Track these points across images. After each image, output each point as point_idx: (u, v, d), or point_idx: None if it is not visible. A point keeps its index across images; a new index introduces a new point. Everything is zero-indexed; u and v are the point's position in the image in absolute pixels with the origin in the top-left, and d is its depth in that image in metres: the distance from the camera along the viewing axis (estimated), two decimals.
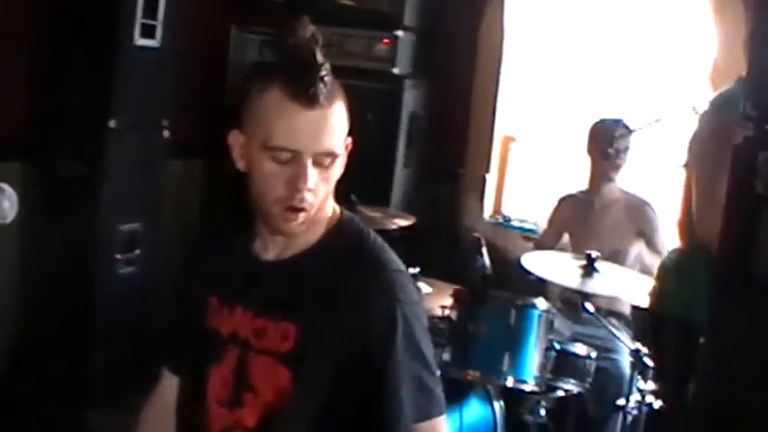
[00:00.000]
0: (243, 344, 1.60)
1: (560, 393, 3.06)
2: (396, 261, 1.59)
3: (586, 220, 3.59)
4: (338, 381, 1.53)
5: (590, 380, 3.05)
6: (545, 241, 3.65)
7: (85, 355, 3.53)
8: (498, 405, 3.09)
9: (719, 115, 2.33)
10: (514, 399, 3.03)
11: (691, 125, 3.85)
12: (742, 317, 1.52)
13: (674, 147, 4.00)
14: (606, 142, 3.40)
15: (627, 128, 3.41)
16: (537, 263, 3.02)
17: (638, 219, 3.55)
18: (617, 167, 3.48)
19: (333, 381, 1.53)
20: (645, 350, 2.97)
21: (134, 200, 3.67)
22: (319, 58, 1.48)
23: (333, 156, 1.51)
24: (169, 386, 1.79)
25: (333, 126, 1.49)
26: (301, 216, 1.52)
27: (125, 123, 3.56)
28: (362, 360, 1.51)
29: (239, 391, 1.59)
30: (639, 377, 2.98)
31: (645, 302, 2.91)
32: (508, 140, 4.45)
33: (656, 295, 2.49)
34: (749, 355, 1.50)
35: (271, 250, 1.62)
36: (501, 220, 4.28)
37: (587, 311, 2.99)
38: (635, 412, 2.96)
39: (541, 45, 4.39)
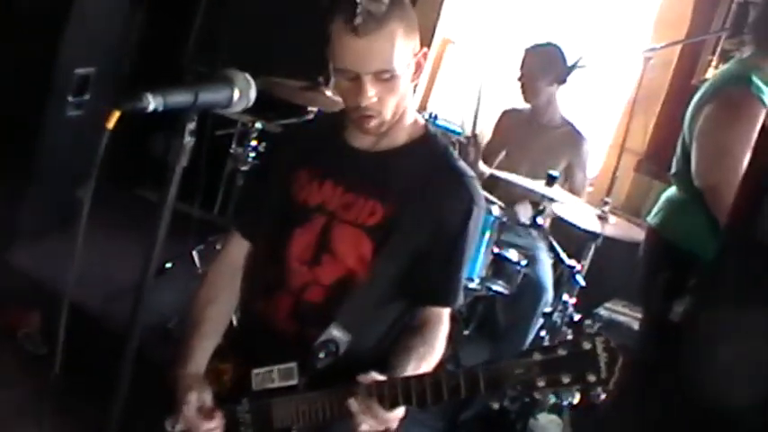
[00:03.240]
0: (330, 214, 1.84)
1: (484, 293, 3.28)
2: (471, 170, 1.88)
3: (524, 138, 3.72)
4: (411, 257, 1.78)
5: (516, 285, 3.29)
6: (488, 151, 3.73)
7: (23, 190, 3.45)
8: None
9: (732, 89, 2.66)
10: None
11: (633, 70, 4.12)
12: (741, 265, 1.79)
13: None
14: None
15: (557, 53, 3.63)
16: None
17: (572, 150, 3.67)
18: (522, 91, 3.66)
19: (408, 256, 1.79)
20: (579, 267, 3.25)
21: (94, 45, 3.55)
22: None
23: (390, 72, 1.72)
24: (238, 249, 1.96)
25: (384, 48, 1.70)
26: (373, 121, 1.78)
27: None
28: (435, 243, 1.80)
29: (320, 252, 1.83)
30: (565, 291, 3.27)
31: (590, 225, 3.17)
32: (446, 42, 4.51)
33: (663, 224, 2.86)
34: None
35: (362, 141, 1.86)
36: (426, 117, 4.34)
37: (537, 225, 3.20)
38: (558, 321, 3.25)
39: None
